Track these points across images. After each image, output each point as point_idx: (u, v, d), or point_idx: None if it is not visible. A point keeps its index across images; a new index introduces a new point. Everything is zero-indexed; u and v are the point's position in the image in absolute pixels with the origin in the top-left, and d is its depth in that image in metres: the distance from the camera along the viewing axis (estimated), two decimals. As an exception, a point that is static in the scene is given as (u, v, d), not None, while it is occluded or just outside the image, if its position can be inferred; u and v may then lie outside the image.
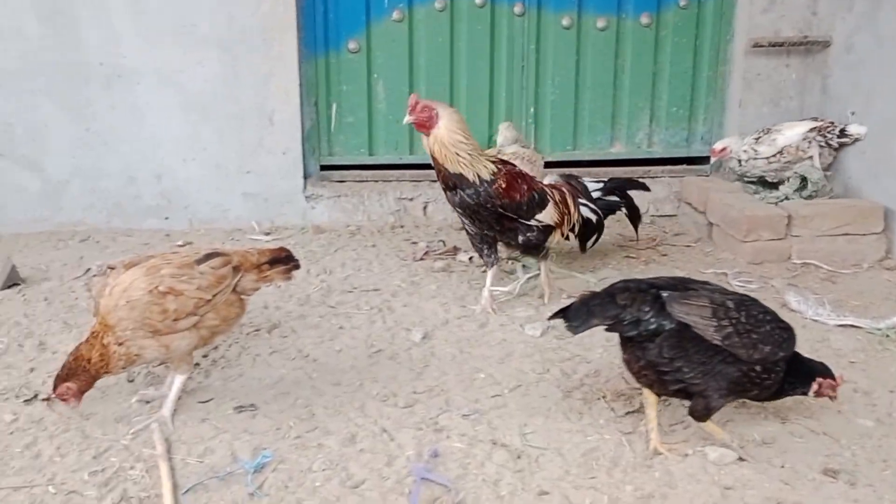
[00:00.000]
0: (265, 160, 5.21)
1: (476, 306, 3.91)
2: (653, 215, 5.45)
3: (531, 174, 4.06)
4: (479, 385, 3.17)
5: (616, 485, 2.52)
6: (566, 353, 3.43)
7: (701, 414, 2.65)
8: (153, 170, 5.11)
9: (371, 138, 5.43)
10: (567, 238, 4.06)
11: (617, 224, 5.27)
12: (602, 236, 4.35)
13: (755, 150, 4.89)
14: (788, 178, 4.87)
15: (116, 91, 4.97)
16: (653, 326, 2.55)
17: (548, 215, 3.84)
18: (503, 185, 3.66)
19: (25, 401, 3.00)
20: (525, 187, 3.75)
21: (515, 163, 4.40)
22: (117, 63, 4.94)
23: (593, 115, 5.51)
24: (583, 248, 4.28)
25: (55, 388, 2.72)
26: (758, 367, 2.56)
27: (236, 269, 2.90)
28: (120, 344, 2.72)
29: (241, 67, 5.03)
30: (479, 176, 3.62)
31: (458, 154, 3.59)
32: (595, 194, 4.30)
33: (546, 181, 4.10)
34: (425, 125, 3.59)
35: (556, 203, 3.89)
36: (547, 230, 3.87)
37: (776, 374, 2.59)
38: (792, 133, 4.87)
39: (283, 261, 3.05)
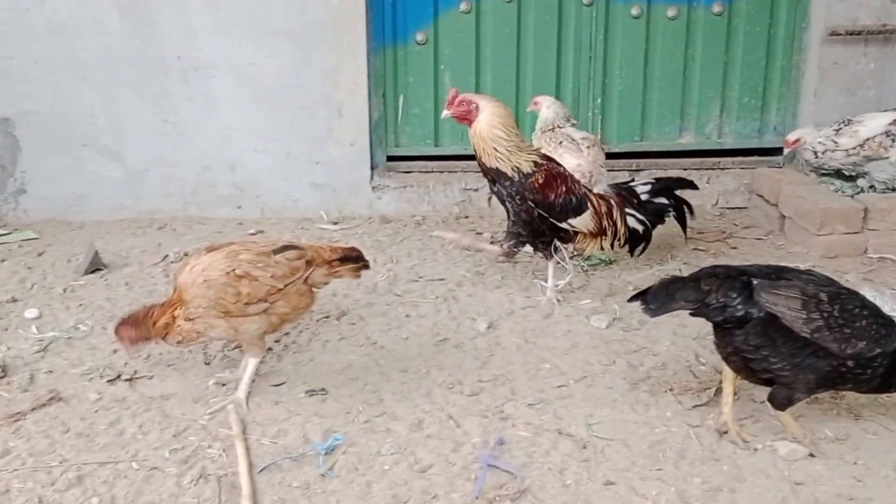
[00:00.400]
0: (333, 151, 5.30)
1: (541, 297, 3.92)
2: (722, 207, 5.37)
3: (592, 163, 4.11)
4: (545, 375, 3.19)
5: (683, 477, 2.52)
6: (632, 345, 3.42)
7: (781, 403, 2.63)
8: (227, 160, 5.26)
9: (437, 129, 5.47)
10: (612, 247, 4.02)
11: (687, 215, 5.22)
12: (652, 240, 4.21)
13: (834, 142, 4.75)
14: (867, 172, 4.73)
15: (193, 83, 5.12)
16: (740, 314, 2.54)
17: (582, 222, 3.79)
18: (540, 181, 3.64)
19: (109, 381, 3.14)
20: (563, 188, 3.71)
21: (584, 148, 4.43)
22: (194, 56, 5.09)
23: (662, 106, 5.44)
24: (631, 253, 4.21)
25: (118, 327, 2.85)
26: (850, 363, 2.51)
27: (309, 262, 2.98)
28: (189, 320, 2.83)
29: (312, 60, 5.12)
30: (518, 169, 3.64)
31: (495, 149, 3.61)
32: (643, 196, 4.14)
33: (596, 190, 4.05)
34: (465, 118, 3.62)
35: (597, 213, 3.84)
36: (577, 235, 3.85)
37: (874, 369, 2.53)
38: (874, 124, 4.71)
39: (354, 259, 3.13)
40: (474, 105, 3.61)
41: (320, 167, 5.32)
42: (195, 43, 5.06)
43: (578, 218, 3.77)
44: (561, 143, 4.54)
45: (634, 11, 5.27)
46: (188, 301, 2.82)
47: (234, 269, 2.83)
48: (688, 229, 4.35)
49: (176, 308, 2.84)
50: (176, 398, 3.02)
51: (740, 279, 2.58)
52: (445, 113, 3.63)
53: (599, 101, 5.41)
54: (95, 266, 4.35)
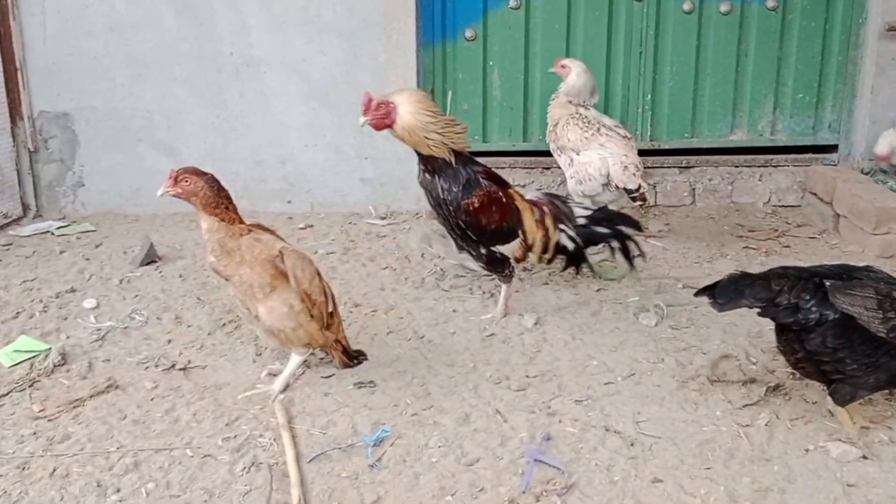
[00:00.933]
0: (382, 146, 5.33)
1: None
2: (774, 205, 5.28)
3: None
4: (592, 372, 3.19)
5: (733, 477, 2.50)
6: (681, 343, 3.40)
7: (843, 399, 2.60)
8: (278, 154, 5.34)
9: (485, 125, 5.48)
10: (541, 261, 3.75)
11: (736, 214, 5.17)
12: (585, 263, 3.83)
13: None
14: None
15: (245, 79, 5.21)
16: (814, 316, 2.51)
17: (508, 249, 3.59)
18: (475, 204, 3.43)
19: (164, 370, 3.22)
20: (497, 216, 3.48)
21: (615, 138, 4.44)
22: (246, 52, 5.17)
23: (713, 102, 5.37)
24: (564, 269, 3.87)
25: (189, 172, 2.86)
26: None
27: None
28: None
29: (362, 55, 5.17)
30: (458, 170, 3.42)
31: (426, 137, 3.36)
32: (580, 220, 3.76)
33: (528, 196, 3.75)
34: (385, 121, 3.35)
35: (524, 242, 3.60)
36: (503, 259, 3.62)
37: None
38: None
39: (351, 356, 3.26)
40: (391, 104, 3.33)
41: (369, 162, 5.37)
42: (248, 39, 5.15)
43: (507, 245, 3.57)
44: (599, 130, 4.49)
45: (686, 7, 5.20)
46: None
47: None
48: (633, 260, 3.84)
49: (239, 227, 2.88)
50: (228, 388, 3.08)
51: (812, 281, 2.54)
52: (362, 120, 3.34)
53: (649, 97, 5.35)
54: (150, 258, 4.45)
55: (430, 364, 3.27)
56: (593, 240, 3.78)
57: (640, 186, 4.53)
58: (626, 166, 4.41)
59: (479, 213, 3.45)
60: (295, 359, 3.07)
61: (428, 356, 3.34)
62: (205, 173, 2.86)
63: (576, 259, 3.79)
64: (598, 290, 4.00)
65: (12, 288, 4.10)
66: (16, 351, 3.35)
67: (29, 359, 3.30)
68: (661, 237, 4.80)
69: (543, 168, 5.40)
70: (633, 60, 5.31)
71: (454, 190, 3.43)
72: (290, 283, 2.88)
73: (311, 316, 2.94)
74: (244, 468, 2.57)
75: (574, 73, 4.67)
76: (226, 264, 2.88)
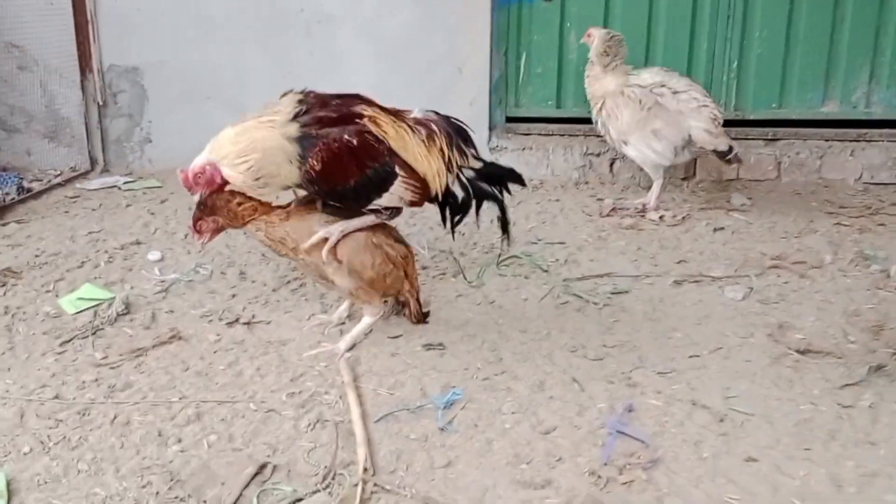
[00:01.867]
0: (452, 110, 5.05)
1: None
2: (866, 182, 4.96)
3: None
4: (675, 344, 2.99)
5: (834, 459, 2.28)
6: (772, 318, 3.17)
7: None
8: (345, 116, 5.21)
9: (560, 90, 5.27)
10: (432, 201, 2.97)
11: (825, 190, 4.88)
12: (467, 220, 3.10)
13: None
14: None
15: (315, 38, 5.09)
16: None
17: (393, 198, 2.82)
18: (317, 167, 2.64)
19: (228, 323, 3.13)
20: (354, 165, 2.69)
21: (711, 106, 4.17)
22: (317, 10, 5.05)
23: (804, 71, 5.05)
24: (444, 222, 3.08)
25: (198, 218, 2.75)
26: None
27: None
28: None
29: (435, 15, 5.00)
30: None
31: (259, 187, 2.69)
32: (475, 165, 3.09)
33: (416, 114, 3.07)
34: (214, 184, 2.67)
35: (411, 175, 2.82)
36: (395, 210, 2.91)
37: None
38: None
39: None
40: (206, 166, 2.65)
41: (438, 126, 5.20)
42: (319, -5, 5.03)
43: (386, 195, 2.80)
44: (650, 109, 4.32)
45: (779, -32, 4.90)
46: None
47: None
48: (508, 236, 3.19)
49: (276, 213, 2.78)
50: (293, 344, 2.98)
51: None
52: (195, 197, 2.72)
53: (735, 64, 5.07)
54: (215, 214, 4.37)
55: (502, 329, 3.12)
56: (480, 194, 3.06)
57: (731, 147, 4.32)
58: (709, 127, 4.28)
59: (329, 172, 2.66)
60: (366, 320, 2.95)
61: (499, 321, 3.19)
62: (203, 204, 2.72)
63: (464, 209, 3.04)
64: (678, 263, 3.78)
65: (78, 238, 4.07)
66: (80, 298, 3.30)
67: (92, 307, 3.25)
68: (744, 211, 4.55)
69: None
70: (720, 25, 5.03)
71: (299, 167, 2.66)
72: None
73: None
74: (309, 425, 2.45)
75: (598, 40, 4.45)
76: (284, 253, 2.81)
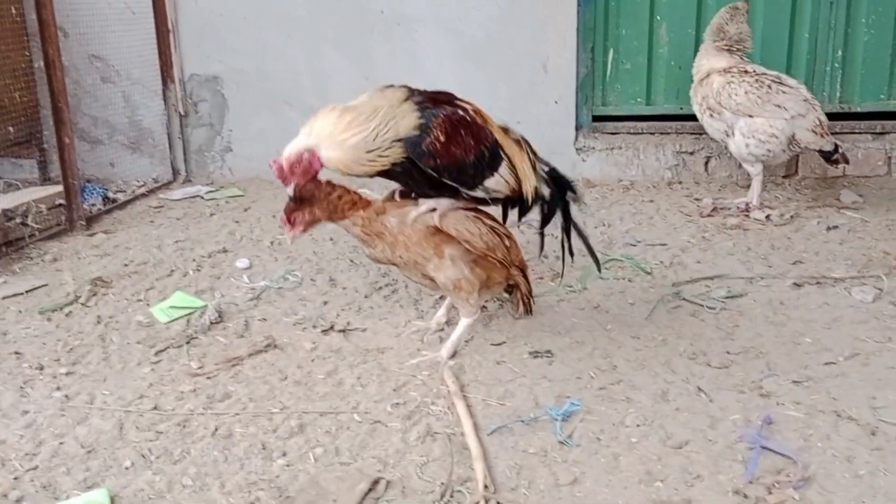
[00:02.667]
0: (536, 109, 5.00)
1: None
2: None
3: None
4: (805, 350, 2.75)
5: None
6: (911, 321, 2.90)
7: None
8: (426, 119, 5.08)
9: (649, 86, 5.04)
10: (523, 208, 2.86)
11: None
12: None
13: None
14: None
15: (396, 39, 4.98)
16: None
17: (500, 180, 2.69)
18: (441, 139, 2.50)
19: (323, 331, 3.01)
20: (472, 140, 2.58)
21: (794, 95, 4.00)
22: (398, 11, 4.94)
23: (916, 60, 4.74)
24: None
25: (294, 209, 2.62)
26: None
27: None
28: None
29: (519, 12, 4.84)
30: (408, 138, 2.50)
31: (369, 159, 2.50)
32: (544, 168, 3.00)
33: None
34: (311, 171, 2.52)
35: (511, 160, 2.73)
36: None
37: None
38: None
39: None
40: (303, 154, 2.50)
41: (521, 127, 4.90)
42: (400, -4, 4.91)
43: (496, 174, 2.68)
44: (771, 87, 4.08)
45: (887, -51, 4.60)
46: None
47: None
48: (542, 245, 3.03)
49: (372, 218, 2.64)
50: (392, 352, 2.83)
51: None
52: (290, 189, 2.56)
53: (840, 53, 4.77)
54: (300, 221, 4.28)
55: (612, 335, 2.92)
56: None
57: (837, 146, 4.06)
58: (815, 127, 4.05)
59: (452, 144, 2.53)
60: (463, 322, 2.79)
61: (607, 327, 2.99)
62: (299, 196, 2.57)
63: (551, 213, 2.92)
64: (794, 263, 3.53)
65: (165, 247, 4.02)
66: (172, 307, 3.22)
67: (185, 315, 3.16)
68: (856, 209, 4.25)
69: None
70: (823, 11, 4.74)
71: (411, 142, 2.51)
72: (454, 240, 2.61)
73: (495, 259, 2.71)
74: (418, 437, 2.29)
75: (718, 14, 4.23)
76: (381, 249, 2.66)
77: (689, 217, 4.24)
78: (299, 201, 2.59)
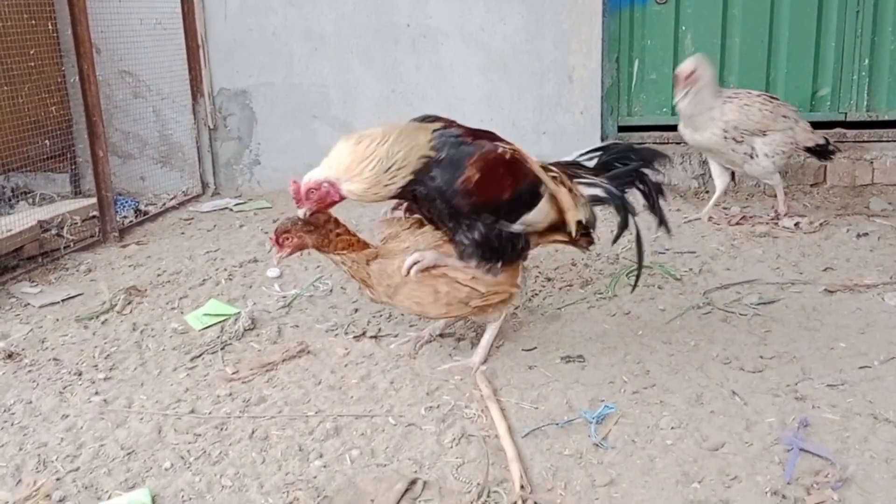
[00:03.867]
0: (562, 119, 5.03)
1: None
2: None
3: None
4: (840, 355, 2.73)
5: None
6: (946, 325, 2.88)
7: None
8: (452, 130, 5.12)
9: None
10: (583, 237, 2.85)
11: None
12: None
13: None
14: None
15: (422, 51, 5.03)
16: None
17: (538, 214, 2.63)
18: (475, 177, 2.45)
19: (355, 337, 3.03)
20: (510, 179, 2.54)
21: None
22: (424, 24, 4.99)
23: (944, 66, 4.72)
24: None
25: (284, 231, 2.63)
26: None
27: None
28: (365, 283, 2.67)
29: (544, 23, 4.88)
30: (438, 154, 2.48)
31: (384, 184, 2.47)
32: (591, 163, 2.97)
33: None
34: (326, 201, 2.53)
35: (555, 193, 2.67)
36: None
37: None
38: None
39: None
40: (323, 181, 2.49)
41: (547, 137, 5.06)
42: (425, 10, 4.96)
43: (533, 211, 2.62)
44: (777, 102, 4.16)
45: (913, -43, 4.60)
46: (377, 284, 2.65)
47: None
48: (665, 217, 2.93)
49: (366, 262, 2.64)
50: (424, 357, 2.85)
51: None
52: (302, 212, 2.57)
53: (867, 62, 4.77)
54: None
55: (643, 341, 2.92)
56: (625, 179, 2.87)
57: (826, 139, 4.18)
58: (807, 127, 4.18)
59: (487, 182, 2.49)
60: (491, 328, 2.80)
61: (639, 332, 2.99)
62: (300, 219, 2.60)
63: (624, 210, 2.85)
64: (825, 270, 3.51)
65: (197, 258, 4.07)
66: (205, 314, 3.26)
67: (218, 322, 3.20)
68: (886, 216, 4.23)
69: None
70: (849, 20, 4.75)
71: (444, 177, 2.47)
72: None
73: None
74: (453, 439, 2.31)
75: (706, 69, 4.10)
76: (377, 295, 2.67)
77: (717, 225, 4.24)
78: (300, 224, 2.61)
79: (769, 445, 2.22)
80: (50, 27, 4.58)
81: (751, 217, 4.29)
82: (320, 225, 2.62)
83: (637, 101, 5.11)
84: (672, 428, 2.33)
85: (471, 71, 5.02)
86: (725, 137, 4.13)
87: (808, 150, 4.22)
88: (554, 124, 5.03)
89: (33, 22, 4.64)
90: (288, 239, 2.63)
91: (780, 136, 4.08)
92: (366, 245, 2.68)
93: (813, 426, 2.30)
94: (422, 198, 2.56)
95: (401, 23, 5.01)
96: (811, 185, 4.80)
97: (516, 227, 2.61)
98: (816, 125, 4.81)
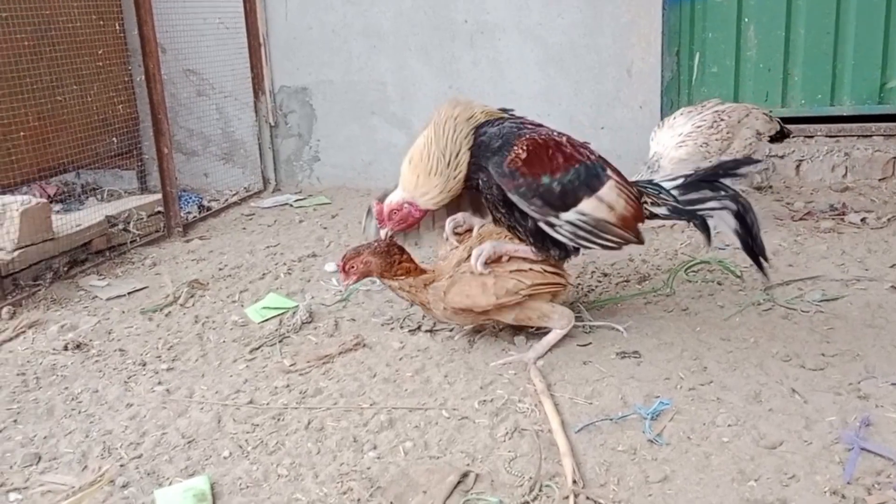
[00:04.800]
0: (621, 114, 4.97)
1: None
2: None
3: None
4: (906, 353, 2.65)
5: None
6: None
7: None
8: (509, 126, 5.11)
9: (737, 89, 4.95)
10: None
11: None
12: None
13: None
14: None
15: (479, 47, 5.04)
16: None
17: (604, 205, 2.59)
18: (521, 156, 2.49)
19: (410, 331, 3.06)
20: (561, 158, 2.53)
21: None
22: (480, 19, 5.00)
23: None
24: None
25: (351, 257, 2.71)
26: None
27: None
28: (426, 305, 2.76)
29: (602, 17, 4.83)
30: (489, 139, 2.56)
31: (451, 182, 2.57)
32: (673, 190, 2.86)
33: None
34: (412, 220, 2.67)
35: (622, 178, 2.68)
36: (598, 230, 2.63)
37: None
38: None
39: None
40: (403, 203, 2.61)
41: (605, 132, 5.01)
42: (483, 5, 4.97)
43: (593, 199, 2.58)
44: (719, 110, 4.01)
45: None
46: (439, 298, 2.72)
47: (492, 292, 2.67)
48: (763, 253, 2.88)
49: (425, 285, 2.73)
50: (478, 352, 2.86)
51: None
52: (384, 232, 2.69)
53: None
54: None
55: (701, 337, 2.87)
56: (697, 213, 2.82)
57: (780, 123, 4.10)
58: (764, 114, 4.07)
59: (534, 163, 2.48)
60: (555, 332, 2.80)
61: (696, 329, 2.94)
62: (368, 246, 2.72)
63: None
64: (892, 266, 3.41)
65: (257, 252, 4.15)
66: (265, 308, 3.33)
67: (277, 315, 3.26)
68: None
69: (806, 137, 4.80)
70: (922, 11, 4.58)
71: (494, 160, 2.52)
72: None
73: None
74: (506, 433, 2.31)
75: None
76: (437, 315, 2.77)
77: (780, 220, 4.14)
78: (365, 250, 2.72)
79: (829, 444, 2.16)
80: (117, 27, 4.73)
81: (817, 212, 4.18)
82: (385, 252, 2.72)
83: (698, 94, 5.02)
84: (729, 425, 2.29)
85: (528, 66, 5.00)
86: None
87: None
88: (612, 119, 4.97)
89: (101, 23, 4.79)
90: (354, 266, 2.72)
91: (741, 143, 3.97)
92: (423, 271, 2.77)
93: (875, 425, 2.23)
94: (484, 187, 2.60)
95: (458, 19, 5.02)
96: (879, 180, 4.65)
97: (570, 215, 2.59)
98: (885, 118, 4.70)
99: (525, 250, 2.72)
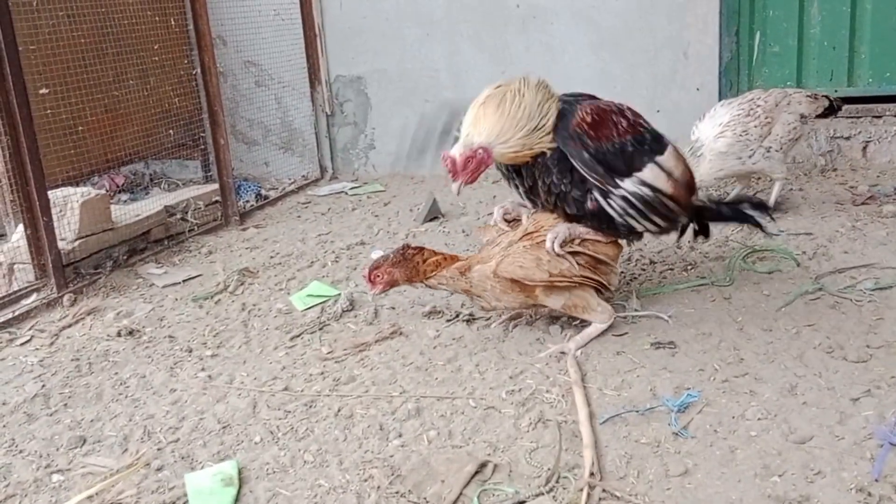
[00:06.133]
0: (677, 96, 4.86)
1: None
2: None
3: None
4: (957, 346, 2.54)
5: None
6: None
7: None
8: (563, 111, 5.06)
9: (800, 69, 4.78)
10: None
11: None
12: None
13: None
14: None
15: (531, 32, 5.00)
16: None
17: (664, 172, 2.69)
18: (587, 120, 2.60)
19: (448, 320, 3.08)
20: (626, 123, 2.68)
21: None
22: (533, 4, 4.95)
23: None
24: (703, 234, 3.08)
25: (375, 267, 2.79)
26: None
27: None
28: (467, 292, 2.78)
29: (657, -3, 4.73)
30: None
31: (529, 145, 2.61)
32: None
33: None
34: (481, 168, 2.63)
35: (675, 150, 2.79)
36: (651, 204, 2.71)
37: None
38: None
39: None
40: (477, 149, 2.59)
41: (661, 115, 4.89)
42: (534, -11, 4.92)
43: (654, 166, 2.68)
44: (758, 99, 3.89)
45: None
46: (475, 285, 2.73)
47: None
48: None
49: (463, 272, 2.74)
50: (512, 341, 2.86)
51: None
52: (455, 186, 2.65)
53: None
54: (434, 214, 4.41)
55: (742, 327, 2.81)
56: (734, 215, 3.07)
57: (830, 99, 3.96)
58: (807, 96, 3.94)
59: (599, 126, 2.61)
60: (596, 325, 2.79)
61: (738, 319, 2.88)
62: (385, 258, 2.80)
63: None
64: (955, 252, 3.25)
65: (309, 240, 4.24)
66: (309, 295, 3.40)
67: (320, 303, 3.33)
68: None
69: (874, 117, 4.60)
70: None
71: (559, 125, 2.60)
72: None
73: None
74: (530, 423, 2.31)
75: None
76: (485, 301, 2.78)
77: (841, 205, 3.99)
78: (387, 260, 2.78)
79: (861, 440, 2.09)
80: (173, 23, 4.86)
81: (882, 195, 4.01)
82: (402, 259, 2.78)
83: (759, 75, 4.87)
84: (758, 419, 2.24)
85: (581, 50, 4.94)
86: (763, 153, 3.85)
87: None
88: (668, 101, 4.87)
89: (166, 17, 4.94)
90: (379, 276, 2.79)
91: (784, 126, 3.82)
92: (455, 258, 2.79)
93: (914, 422, 2.15)
94: (550, 163, 2.63)
95: (510, 4, 4.99)
96: (953, 161, 4.44)
97: (629, 184, 2.64)
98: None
99: (595, 233, 2.75)
